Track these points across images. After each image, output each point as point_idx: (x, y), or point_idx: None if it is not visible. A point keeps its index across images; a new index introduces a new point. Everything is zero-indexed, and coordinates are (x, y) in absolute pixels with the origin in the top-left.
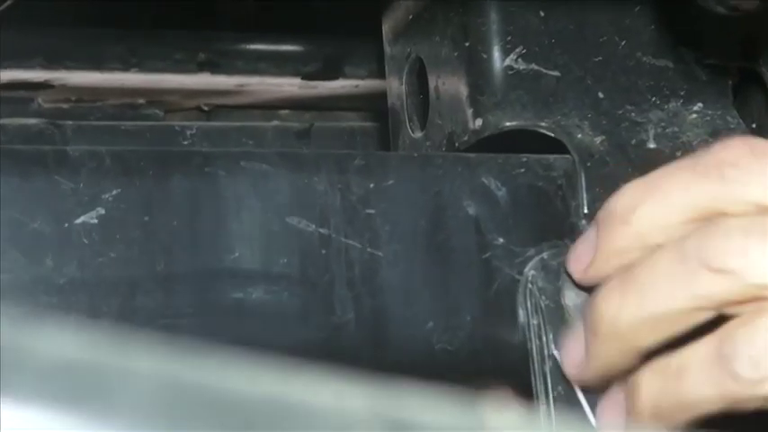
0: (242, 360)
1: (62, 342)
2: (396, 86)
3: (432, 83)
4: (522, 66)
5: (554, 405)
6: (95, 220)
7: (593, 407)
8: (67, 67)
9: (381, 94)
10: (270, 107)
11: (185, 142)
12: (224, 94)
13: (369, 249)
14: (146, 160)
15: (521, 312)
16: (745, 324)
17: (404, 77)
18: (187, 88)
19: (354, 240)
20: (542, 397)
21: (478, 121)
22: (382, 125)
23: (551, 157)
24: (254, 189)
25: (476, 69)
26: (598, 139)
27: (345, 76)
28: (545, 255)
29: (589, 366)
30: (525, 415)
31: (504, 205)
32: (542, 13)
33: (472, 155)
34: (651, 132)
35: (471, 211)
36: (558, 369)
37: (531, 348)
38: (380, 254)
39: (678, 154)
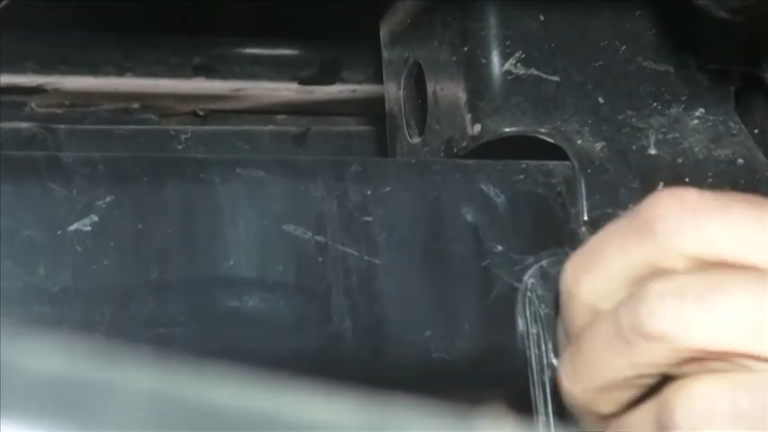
0: (233, 375)
1: (53, 356)
2: (393, 91)
3: (430, 88)
4: (521, 71)
5: (553, 414)
6: (89, 228)
7: None
8: (61, 72)
9: (379, 99)
10: (266, 112)
11: (180, 147)
12: (219, 98)
13: (366, 257)
14: (140, 167)
15: (520, 321)
16: (681, 390)
17: (402, 82)
18: (182, 93)
19: (351, 248)
20: (541, 406)
21: (477, 127)
22: (379, 129)
23: (551, 163)
24: (250, 196)
25: (474, 74)
26: (598, 146)
27: (342, 81)
28: (544, 263)
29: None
30: (521, 430)
31: (502, 212)
32: (542, 18)
33: (471, 161)
34: (652, 138)
35: (470, 218)
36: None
37: (530, 357)
38: (378, 261)
39: (679, 160)
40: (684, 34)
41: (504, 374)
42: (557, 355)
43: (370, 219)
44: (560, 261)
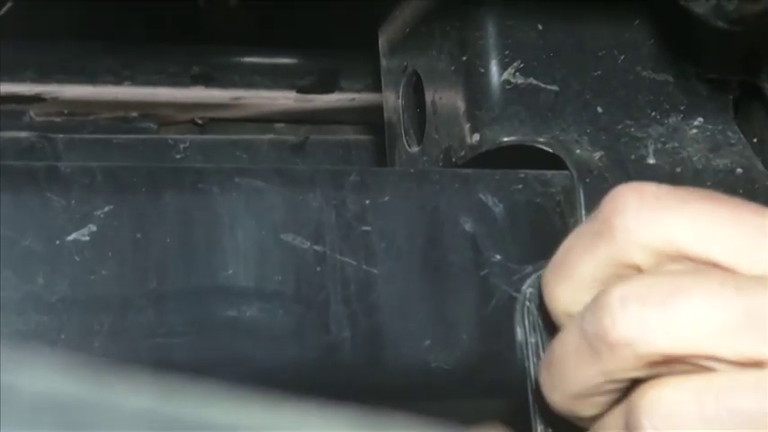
0: (229, 393)
1: (52, 375)
2: (392, 100)
3: (428, 97)
4: (519, 80)
5: (550, 424)
6: (87, 238)
7: None
8: (60, 81)
9: (378, 108)
10: (265, 120)
11: (178, 156)
12: (218, 107)
13: (364, 267)
14: (138, 176)
15: (518, 330)
16: (646, 394)
17: (400, 91)
18: (181, 101)
19: (350, 257)
20: (539, 417)
21: (476, 136)
22: (378, 138)
23: (549, 173)
24: (249, 205)
25: (473, 83)
26: (597, 155)
27: (341, 90)
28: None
29: None
30: None
31: (501, 222)
32: (540, 27)
33: (469, 171)
34: (651, 148)
35: (468, 227)
36: None
37: (529, 367)
38: (376, 271)
39: (678, 170)
40: (683, 44)
41: (502, 384)
42: None
43: (368, 228)
44: None
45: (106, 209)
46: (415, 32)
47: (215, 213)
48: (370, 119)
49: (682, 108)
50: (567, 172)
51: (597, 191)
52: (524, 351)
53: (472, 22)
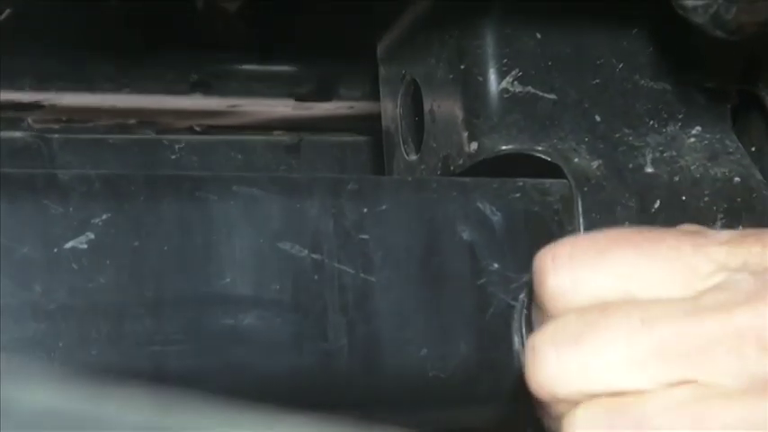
0: (223, 405)
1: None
2: (390, 108)
3: (427, 105)
4: (518, 88)
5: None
6: (85, 245)
7: None
8: (58, 88)
9: (376, 116)
10: (263, 128)
11: (173, 157)
12: (216, 114)
13: (362, 275)
14: (136, 184)
15: (515, 339)
16: (568, 421)
17: (398, 99)
18: (179, 109)
19: (347, 266)
20: (534, 426)
21: (474, 145)
22: (373, 139)
23: (547, 181)
24: (246, 214)
25: (471, 92)
26: (595, 164)
27: (339, 98)
28: None
29: None
30: None
31: (499, 230)
32: (539, 36)
33: (467, 179)
34: (649, 156)
35: (466, 236)
36: None
37: None
38: (374, 279)
39: (676, 178)
40: (681, 53)
41: (499, 392)
42: None
43: (366, 237)
44: None
45: (104, 217)
46: (413, 41)
47: (212, 221)
48: (368, 127)
49: (680, 117)
50: (565, 180)
51: (595, 199)
52: (521, 359)
53: (471, 30)
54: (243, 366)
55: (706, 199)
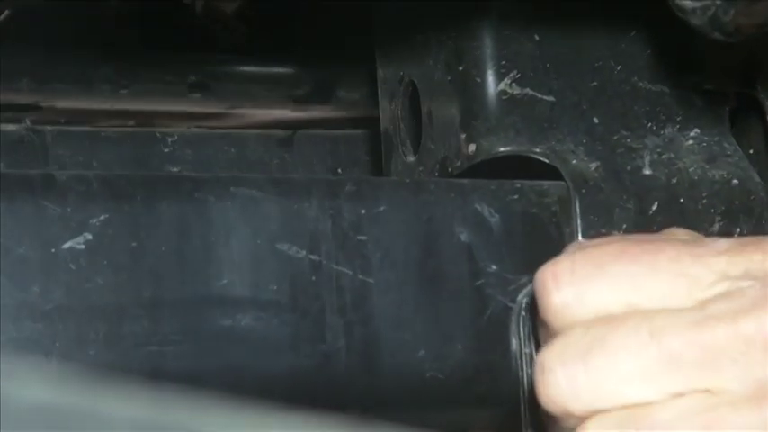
0: (220, 403)
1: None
2: (388, 110)
3: (425, 107)
4: (516, 90)
5: None
6: (83, 246)
7: None
8: (56, 90)
9: (374, 118)
10: (260, 129)
11: (166, 149)
12: (215, 116)
13: (360, 276)
14: (134, 185)
15: (513, 340)
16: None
17: (397, 101)
18: (177, 111)
19: (345, 267)
20: (531, 427)
21: (472, 147)
22: (367, 133)
23: (545, 183)
24: (244, 215)
25: (469, 94)
26: (593, 166)
27: (338, 100)
28: None
29: None
30: None
31: (497, 232)
32: (537, 38)
33: (465, 180)
34: (647, 159)
35: (464, 237)
36: None
37: (523, 377)
38: (372, 281)
39: (674, 181)
40: (680, 55)
41: (496, 394)
42: None
43: (364, 238)
44: None
45: (102, 217)
46: (411, 43)
47: (210, 222)
48: (366, 128)
49: (678, 119)
50: (562, 182)
51: (593, 201)
52: (519, 361)
53: (469, 32)
54: (241, 367)
55: (704, 201)
